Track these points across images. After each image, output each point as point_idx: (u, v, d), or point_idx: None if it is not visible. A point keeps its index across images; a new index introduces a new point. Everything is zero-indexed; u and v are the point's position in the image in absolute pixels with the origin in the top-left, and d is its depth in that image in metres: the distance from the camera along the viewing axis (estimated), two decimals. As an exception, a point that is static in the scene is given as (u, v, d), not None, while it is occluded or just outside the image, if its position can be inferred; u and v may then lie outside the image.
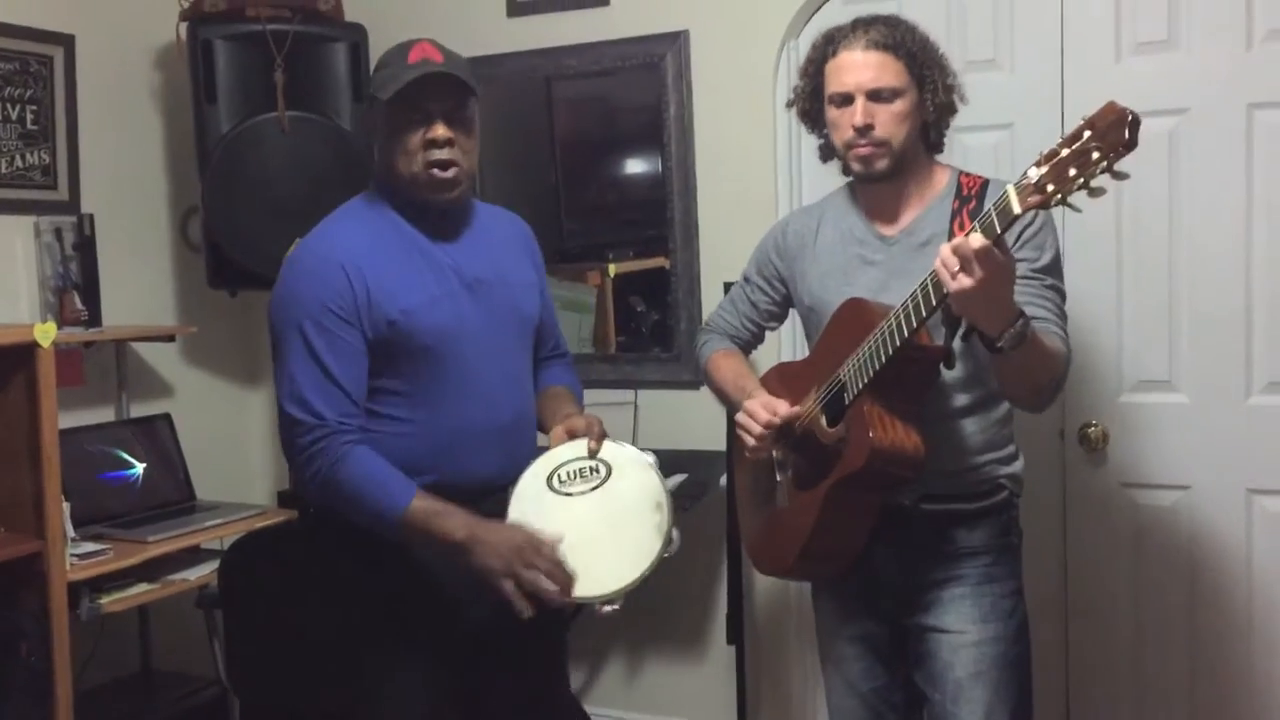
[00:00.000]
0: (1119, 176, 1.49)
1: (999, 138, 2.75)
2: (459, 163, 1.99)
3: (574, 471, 2.00)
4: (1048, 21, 2.71)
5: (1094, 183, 1.50)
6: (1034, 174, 1.54)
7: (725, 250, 3.03)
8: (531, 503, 1.97)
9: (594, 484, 1.98)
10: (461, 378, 2.01)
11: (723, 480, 2.90)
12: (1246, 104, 2.55)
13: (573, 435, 2.04)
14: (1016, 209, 1.56)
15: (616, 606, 1.87)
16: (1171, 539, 2.68)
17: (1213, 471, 2.62)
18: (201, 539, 2.99)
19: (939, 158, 2.06)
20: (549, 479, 2.00)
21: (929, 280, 1.71)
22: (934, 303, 1.70)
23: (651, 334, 3.31)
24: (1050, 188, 1.52)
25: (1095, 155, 1.48)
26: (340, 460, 1.90)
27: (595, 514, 1.96)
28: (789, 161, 3.01)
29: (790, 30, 2.96)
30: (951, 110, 1.99)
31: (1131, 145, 1.47)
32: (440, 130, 1.96)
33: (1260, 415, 2.57)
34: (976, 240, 1.59)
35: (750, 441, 1.99)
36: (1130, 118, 1.46)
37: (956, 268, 1.61)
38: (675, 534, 1.92)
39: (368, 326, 1.94)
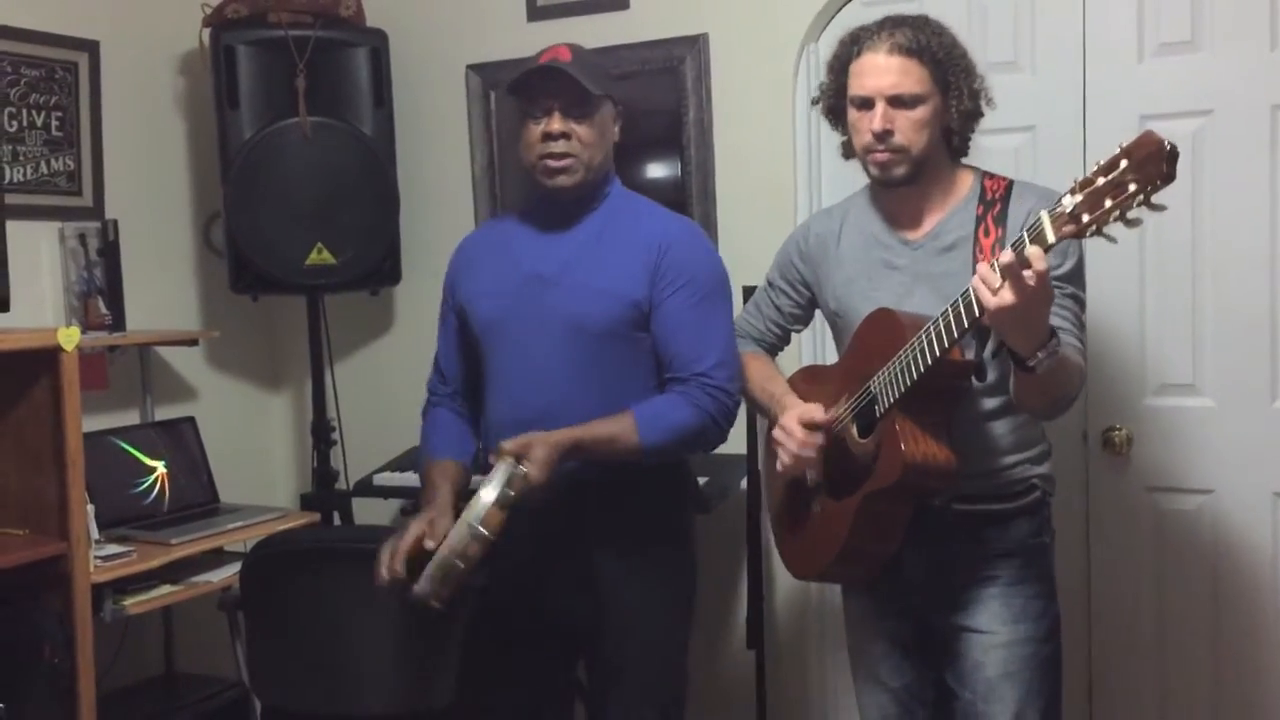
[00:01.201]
0: (1157, 209, 1.47)
1: (1020, 140, 2.74)
2: (576, 154, 2.07)
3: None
4: (1069, 23, 2.70)
5: (1130, 215, 1.48)
6: (1069, 202, 1.52)
7: (745, 254, 3.00)
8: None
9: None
10: (498, 370, 2.14)
11: (743, 483, 2.90)
12: (1270, 105, 2.53)
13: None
14: (1051, 238, 1.54)
15: (436, 606, 1.93)
16: (1195, 543, 2.65)
17: (1237, 475, 2.60)
18: (225, 541, 3.00)
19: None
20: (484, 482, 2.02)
21: (962, 298, 1.70)
22: (967, 322, 1.69)
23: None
24: (1085, 218, 1.50)
25: (1132, 188, 1.45)
26: (424, 416, 2.30)
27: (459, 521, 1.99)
28: (809, 165, 3.00)
29: (810, 33, 2.95)
30: (977, 116, 1.98)
31: (1169, 178, 1.44)
32: (555, 124, 2.05)
33: (1286, 419, 2.55)
34: (1037, 257, 1.55)
35: (786, 459, 1.98)
36: (1169, 150, 1.43)
37: (998, 284, 1.59)
38: (460, 564, 1.90)
39: (458, 311, 2.23)
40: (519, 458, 1.94)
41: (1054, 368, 1.68)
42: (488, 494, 1.91)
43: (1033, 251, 1.56)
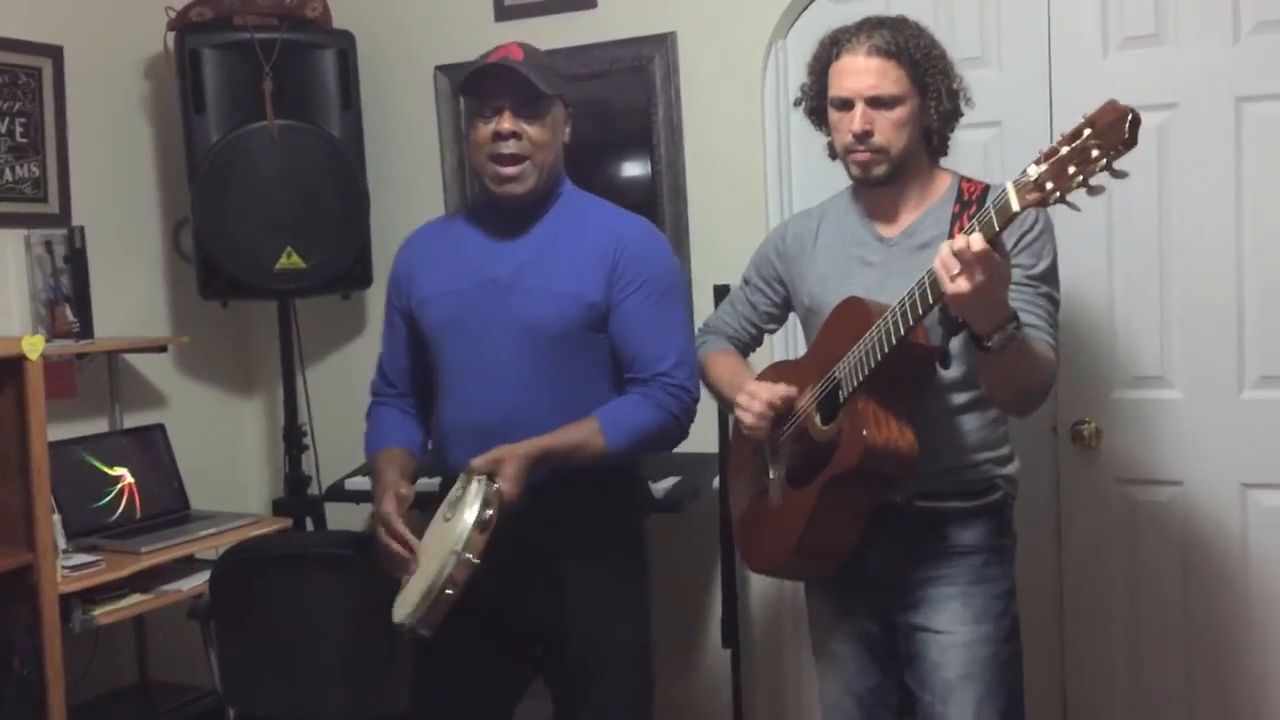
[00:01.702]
0: (1119, 175, 1.49)
1: (989, 135, 2.74)
2: (526, 155, 2.03)
3: (454, 499, 1.98)
4: (1035, 17, 2.71)
5: (1093, 181, 1.50)
6: (1033, 171, 1.55)
7: (717, 253, 3.02)
8: (432, 523, 2.01)
9: (450, 516, 1.94)
10: (452, 375, 2.10)
11: (715, 483, 2.89)
12: (1235, 97, 2.54)
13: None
14: (1015, 206, 1.56)
15: (421, 633, 1.90)
16: (1166, 535, 2.67)
17: (1207, 466, 2.61)
18: (195, 549, 2.98)
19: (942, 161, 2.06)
20: (447, 502, 2.00)
21: (926, 279, 1.71)
22: (930, 301, 1.71)
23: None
24: (1049, 185, 1.52)
25: (1095, 153, 1.48)
26: (368, 417, 2.26)
27: (432, 543, 1.96)
28: (779, 163, 3.00)
29: (778, 30, 2.95)
30: (956, 116, 2.00)
31: (1131, 144, 1.47)
32: (506, 123, 2.02)
33: (1254, 409, 2.56)
34: (977, 243, 1.59)
35: (749, 419, 1.98)
36: (1130, 116, 1.47)
37: (956, 270, 1.61)
38: (449, 594, 1.85)
39: (406, 313, 2.19)
40: (490, 475, 1.92)
41: (1017, 352, 1.70)
42: (468, 515, 1.86)
43: (973, 238, 1.59)
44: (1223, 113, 2.55)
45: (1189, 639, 2.66)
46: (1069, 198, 1.53)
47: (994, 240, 1.60)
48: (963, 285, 1.61)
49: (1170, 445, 2.64)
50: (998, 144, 2.75)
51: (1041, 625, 2.68)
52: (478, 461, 1.92)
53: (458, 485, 1.99)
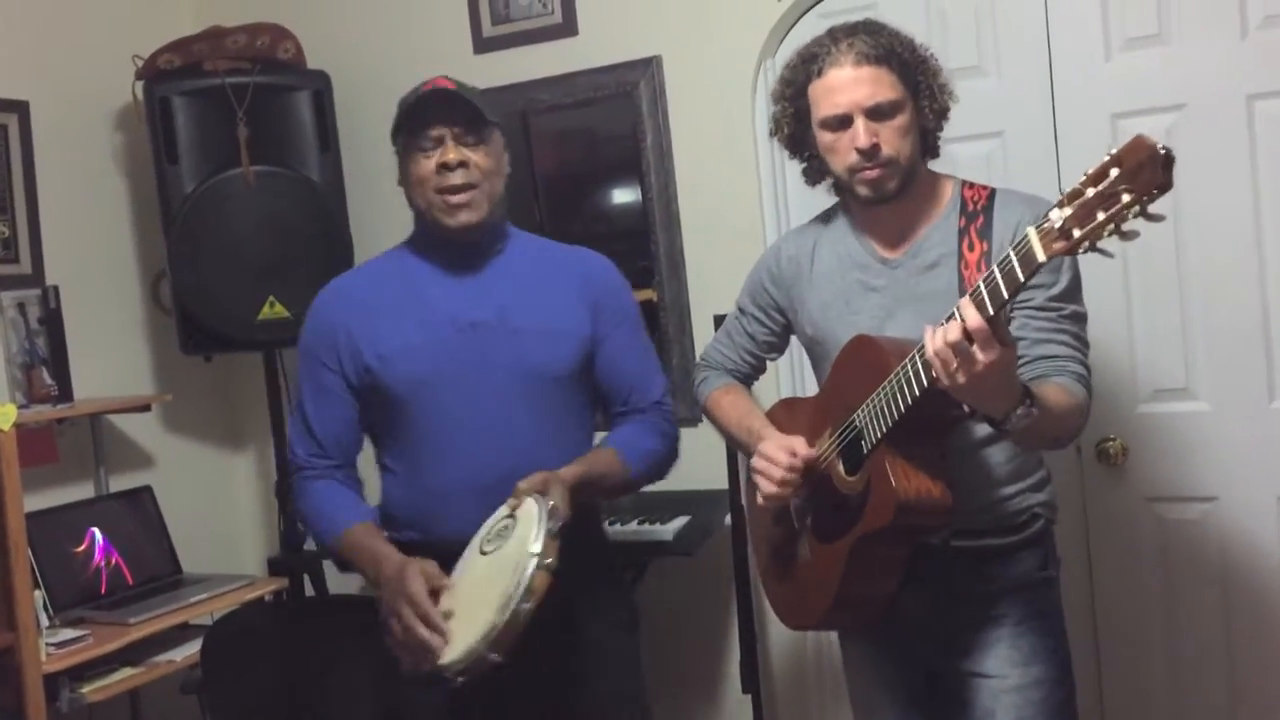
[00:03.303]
0: (1154, 219, 1.33)
1: (990, 147, 2.64)
2: (475, 184, 1.92)
3: (497, 530, 1.84)
4: (1032, 22, 2.61)
5: (1125, 227, 1.34)
6: (1057, 217, 1.38)
7: (713, 281, 2.92)
8: (462, 564, 1.85)
9: (499, 545, 1.80)
10: (439, 431, 1.93)
11: (727, 519, 2.78)
12: (1245, 95, 2.44)
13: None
14: (1041, 257, 1.40)
15: (464, 679, 1.71)
16: (1201, 553, 2.55)
17: (1240, 480, 2.50)
18: (187, 615, 2.86)
19: (934, 165, 1.93)
20: (483, 538, 1.85)
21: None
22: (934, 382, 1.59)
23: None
24: (1076, 233, 1.36)
25: (1126, 198, 1.31)
26: (301, 493, 2.01)
27: (479, 575, 1.80)
28: (773, 184, 2.90)
29: (766, 49, 2.86)
30: (946, 112, 1.87)
31: (1166, 187, 1.30)
32: (451, 153, 1.90)
33: (1286, 419, 2.45)
34: (972, 319, 1.46)
35: (770, 489, 1.83)
36: (1163, 155, 1.29)
37: (954, 365, 1.49)
38: (527, 607, 1.67)
39: (350, 372, 1.97)
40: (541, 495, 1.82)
41: (1035, 424, 1.58)
42: (536, 528, 1.72)
43: (969, 318, 1.47)
44: (1233, 111, 2.45)
45: (1232, 659, 2.54)
46: (1100, 244, 1.36)
47: (994, 320, 1.47)
48: (961, 379, 1.50)
49: (1200, 460, 2.53)
50: (1000, 155, 2.65)
51: (1076, 653, 2.51)
52: (524, 484, 1.81)
53: (499, 516, 1.84)
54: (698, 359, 2.25)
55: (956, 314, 1.50)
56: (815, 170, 1.94)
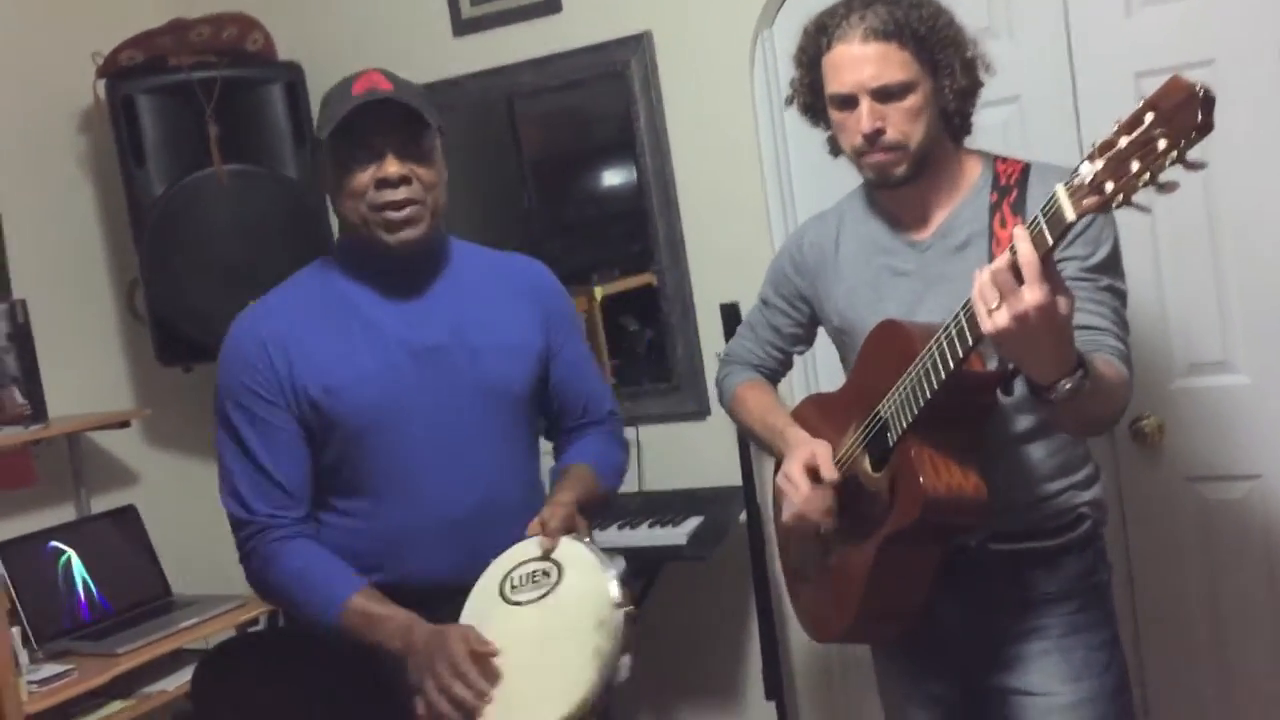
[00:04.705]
0: (1194, 167, 1.22)
1: (1007, 113, 2.49)
2: (418, 200, 1.73)
3: (526, 575, 1.67)
4: (1047, -23, 2.46)
5: (1162, 177, 1.22)
6: (1086, 170, 1.26)
7: (718, 267, 2.78)
8: (482, 611, 1.67)
9: (542, 592, 1.65)
10: (403, 465, 1.76)
11: (742, 517, 2.64)
12: (1278, 46, 2.29)
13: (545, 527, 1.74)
14: (1070, 215, 1.28)
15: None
16: (1245, 533, 2.42)
17: (1285, 456, 2.36)
18: (178, 642, 2.73)
19: (968, 141, 1.79)
20: (502, 584, 1.69)
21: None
22: (980, 331, 1.43)
23: (648, 354, 3.07)
24: (1109, 186, 1.24)
25: (1162, 144, 1.20)
26: (271, 559, 1.74)
27: (531, 632, 1.62)
28: (776, 162, 2.75)
29: (763, 18, 2.70)
30: (976, 89, 1.72)
31: (1207, 128, 1.19)
32: (392, 167, 1.71)
33: (1331, 389, 2.32)
34: (1026, 255, 1.31)
35: (791, 514, 1.73)
36: (1203, 94, 1.19)
37: (995, 301, 1.33)
38: (626, 660, 1.57)
39: (295, 407, 1.75)
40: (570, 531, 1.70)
41: (1085, 399, 1.42)
42: (603, 572, 1.61)
43: (1021, 249, 1.31)
44: (1266, 64, 2.30)
45: (1278, 640, 2.41)
46: (1135, 198, 1.25)
47: (1045, 260, 1.32)
48: (1003, 320, 1.33)
49: (1242, 435, 2.39)
50: (1018, 121, 2.51)
51: (1117, 645, 2.43)
52: (552, 521, 1.68)
53: (521, 559, 1.68)
54: (720, 353, 2.11)
55: (1009, 249, 1.35)
56: (836, 142, 1.79)
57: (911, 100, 1.66)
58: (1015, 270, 1.32)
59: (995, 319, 1.34)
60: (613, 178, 3.04)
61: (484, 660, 1.59)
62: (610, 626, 1.57)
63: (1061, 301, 1.33)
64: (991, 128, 2.43)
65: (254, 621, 2.88)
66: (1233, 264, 2.37)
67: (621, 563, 1.65)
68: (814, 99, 1.77)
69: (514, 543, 1.73)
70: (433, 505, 1.76)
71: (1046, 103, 2.47)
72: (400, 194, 1.71)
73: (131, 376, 3.20)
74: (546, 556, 1.67)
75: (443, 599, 1.69)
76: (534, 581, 1.66)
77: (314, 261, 1.89)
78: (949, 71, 1.68)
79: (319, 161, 1.80)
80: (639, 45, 2.81)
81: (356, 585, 1.70)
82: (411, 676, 1.61)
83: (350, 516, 1.78)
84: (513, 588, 1.67)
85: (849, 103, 1.68)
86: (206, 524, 3.31)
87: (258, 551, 1.74)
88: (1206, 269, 2.39)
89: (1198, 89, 1.20)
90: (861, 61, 1.65)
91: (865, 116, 1.65)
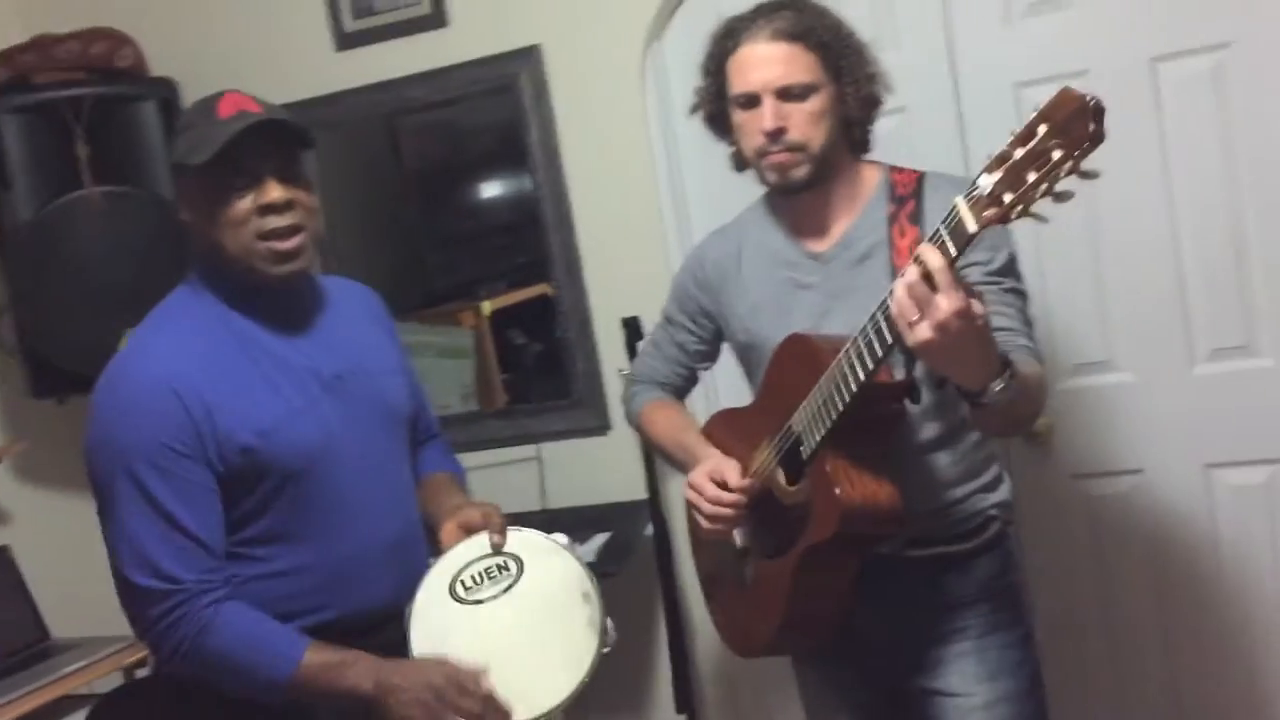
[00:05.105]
0: (1088, 176, 1.25)
1: (894, 124, 2.48)
2: (303, 226, 1.67)
3: (479, 574, 1.72)
4: (928, -11, 2.51)
5: (1059, 187, 1.26)
6: (985, 182, 1.29)
7: (616, 282, 2.77)
8: (436, 621, 1.68)
9: (505, 584, 1.71)
10: (339, 497, 1.71)
11: (648, 530, 2.63)
12: (1149, 58, 2.39)
13: (469, 530, 1.75)
14: (972, 227, 1.30)
15: None
16: (1131, 527, 2.51)
17: (1166, 450, 2.46)
18: (61, 689, 2.59)
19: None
20: (452, 588, 1.71)
21: (880, 314, 1.45)
22: (889, 340, 1.45)
23: (538, 368, 3.04)
24: (1008, 198, 1.27)
25: (1057, 155, 1.24)
26: (207, 627, 1.60)
27: (512, 621, 1.69)
28: (669, 175, 2.75)
29: (652, 31, 2.70)
30: (875, 104, 1.75)
31: (1099, 138, 1.23)
32: (275, 192, 1.64)
33: (1208, 385, 2.42)
34: (936, 263, 1.32)
35: (703, 523, 1.73)
36: (1093, 105, 1.22)
37: (914, 316, 1.34)
38: (610, 624, 1.70)
39: (216, 459, 1.62)
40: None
41: (1013, 398, 1.45)
42: (563, 557, 1.74)
43: (929, 259, 1.32)
44: (1137, 76, 2.40)
45: (1168, 631, 2.51)
46: (1034, 209, 1.28)
47: (950, 268, 1.34)
48: (925, 332, 1.33)
49: (1125, 432, 2.48)
50: (904, 132, 2.53)
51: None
52: (498, 519, 1.75)
53: (470, 558, 1.72)
54: (624, 371, 2.10)
55: (915, 261, 1.36)
56: (740, 156, 1.80)
57: (814, 102, 1.68)
58: (928, 280, 1.34)
59: (918, 332, 1.35)
60: (499, 190, 3.01)
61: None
62: (594, 597, 1.69)
63: (976, 304, 1.36)
64: (879, 138, 2.47)
65: (141, 663, 2.76)
66: (1112, 268, 2.46)
67: (566, 538, 1.75)
68: (717, 105, 1.78)
69: (429, 556, 1.76)
70: (369, 533, 1.73)
71: (931, 113, 2.52)
72: (286, 220, 1.65)
73: (2, 410, 3.04)
74: (498, 551, 1.71)
75: (386, 623, 1.69)
76: (490, 578, 1.71)
77: (178, 291, 1.76)
78: (852, 79, 1.71)
79: (185, 186, 1.69)
80: (529, 58, 2.78)
81: (304, 640, 1.63)
82: (400, 715, 1.58)
83: (281, 562, 1.68)
84: (466, 589, 1.70)
85: (753, 102, 1.70)
86: (86, 562, 3.15)
87: (188, 620, 1.60)
88: (1087, 274, 2.47)
89: (1089, 100, 1.23)
90: (768, 61, 1.68)
91: (768, 115, 1.67)
